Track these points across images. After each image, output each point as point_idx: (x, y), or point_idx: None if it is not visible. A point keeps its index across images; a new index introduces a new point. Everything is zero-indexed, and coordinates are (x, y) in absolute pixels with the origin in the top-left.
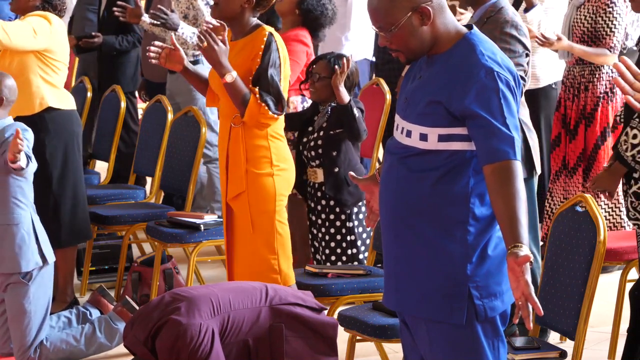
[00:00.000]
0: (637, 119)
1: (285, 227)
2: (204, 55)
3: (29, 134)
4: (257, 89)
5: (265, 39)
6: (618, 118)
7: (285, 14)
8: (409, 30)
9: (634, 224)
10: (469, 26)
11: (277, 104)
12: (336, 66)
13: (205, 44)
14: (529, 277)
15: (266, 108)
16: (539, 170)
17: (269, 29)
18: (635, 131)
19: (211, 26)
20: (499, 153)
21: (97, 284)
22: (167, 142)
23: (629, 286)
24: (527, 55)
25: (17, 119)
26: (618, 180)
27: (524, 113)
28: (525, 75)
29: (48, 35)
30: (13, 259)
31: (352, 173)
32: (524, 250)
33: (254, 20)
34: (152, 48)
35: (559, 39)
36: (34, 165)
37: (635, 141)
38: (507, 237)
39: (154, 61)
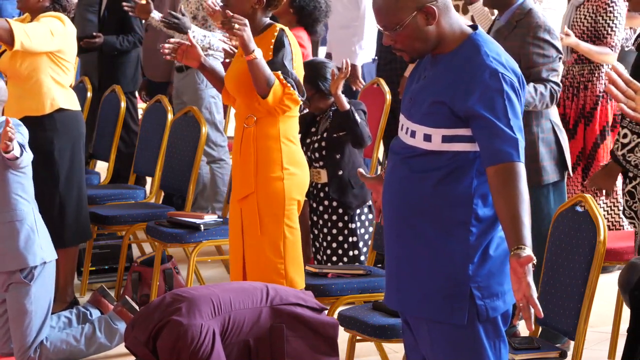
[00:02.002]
0: (628, 119)
1: (295, 232)
2: (237, 39)
3: (23, 128)
4: (279, 73)
5: (276, 34)
6: (618, 117)
7: (279, 14)
8: (414, 29)
9: (629, 222)
10: (473, 26)
11: (298, 89)
12: (334, 70)
13: (236, 27)
14: (531, 279)
15: (292, 89)
16: (571, 172)
17: (280, 26)
18: (625, 130)
19: (223, 10)
20: (502, 154)
21: (97, 284)
22: (167, 142)
23: None
24: (560, 59)
25: (26, 119)
26: (614, 178)
27: (554, 114)
28: (559, 79)
29: (62, 37)
30: (19, 255)
31: (360, 170)
32: (527, 251)
33: (267, 20)
34: (167, 45)
35: (567, 34)
36: (29, 156)
37: (626, 140)
38: (509, 238)
39: (168, 57)
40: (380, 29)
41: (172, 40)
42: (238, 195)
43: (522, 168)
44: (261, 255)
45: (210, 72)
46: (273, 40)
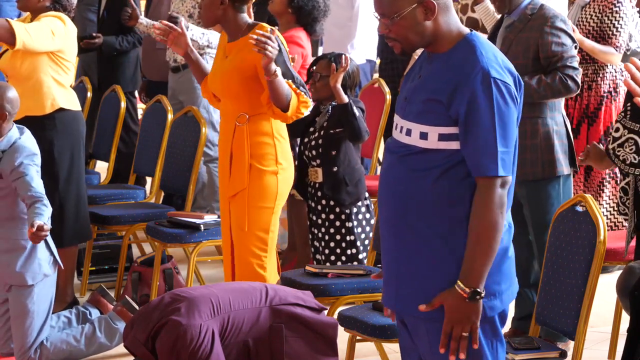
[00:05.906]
0: (623, 113)
1: (277, 229)
2: (265, 60)
3: (37, 158)
4: (290, 82)
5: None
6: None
7: (279, 14)
8: (411, 21)
9: (623, 219)
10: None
11: (306, 93)
12: (333, 64)
13: (269, 49)
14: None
15: (306, 97)
16: (577, 168)
17: (267, 27)
18: (618, 125)
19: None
20: (481, 168)
21: (97, 284)
22: (167, 142)
23: None
24: (575, 47)
25: (27, 118)
26: (607, 162)
27: (563, 107)
28: (578, 65)
29: (63, 36)
30: (19, 274)
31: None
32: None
33: (247, 19)
34: (158, 25)
35: (572, 30)
36: (49, 211)
37: (617, 134)
38: (464, 268)
39: (158, 38)
40: (377, 15)
41: (164, 22)
42: (228, 193)
43: (498, 183)
44: (247, 248)
45: (196, 64)
46: None
